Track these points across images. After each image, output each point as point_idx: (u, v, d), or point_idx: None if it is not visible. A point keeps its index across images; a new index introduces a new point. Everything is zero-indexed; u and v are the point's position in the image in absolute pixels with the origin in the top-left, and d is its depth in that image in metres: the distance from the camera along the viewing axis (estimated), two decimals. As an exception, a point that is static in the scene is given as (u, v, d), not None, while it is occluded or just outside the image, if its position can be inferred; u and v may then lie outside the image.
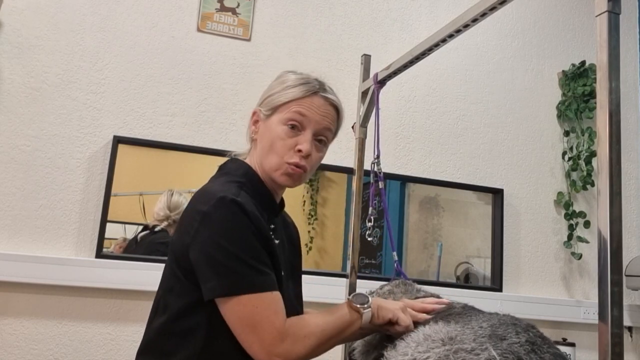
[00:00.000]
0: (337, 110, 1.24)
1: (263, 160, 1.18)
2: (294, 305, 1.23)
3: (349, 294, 1.70)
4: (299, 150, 1.16)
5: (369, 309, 1.10)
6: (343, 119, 1.27)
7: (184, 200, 2.20)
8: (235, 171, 1.19)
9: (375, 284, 1.60)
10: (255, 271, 1.02)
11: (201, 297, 1.05)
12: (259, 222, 1.07)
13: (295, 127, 1.17)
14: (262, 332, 0.99)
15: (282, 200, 1.30)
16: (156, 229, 2.18)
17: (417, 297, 1.35)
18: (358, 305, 1.10)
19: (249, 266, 1.02)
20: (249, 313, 1.00)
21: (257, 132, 1.22)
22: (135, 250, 2.17)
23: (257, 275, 1.02)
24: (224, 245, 1.02)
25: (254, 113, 1.23)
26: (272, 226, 1.18)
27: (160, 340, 1.11)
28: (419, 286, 1.47)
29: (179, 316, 1.08)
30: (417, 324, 1.13)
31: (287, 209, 1.39)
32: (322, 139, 1.21)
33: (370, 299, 1.12)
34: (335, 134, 1.27)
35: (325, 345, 1.05)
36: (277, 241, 1.17)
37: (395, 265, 1.57)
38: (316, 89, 1.20)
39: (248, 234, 1.04)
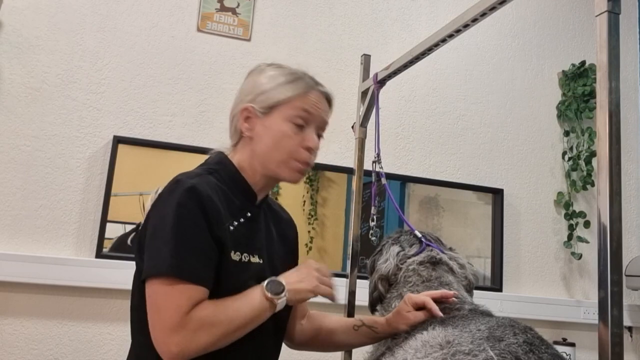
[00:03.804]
0: (329, 102, 1.25)
1: (264, 157, 1.17)
2: None
3: (348, 294, 1.70)
4: (309, 148, 1.17)
5: (284, 298, 1.07)
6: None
7: None
8: (210, 161, 1.22)
9: (375, 284, 1.59)
10: (187, 259, 1.01)
11: None
12: (212, 208, 1.05)
13: (301, 125, 1.18)
14: (164, 316, 0.97)
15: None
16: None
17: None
18: (272, 296, 1.06)
19: (184, 252, 1.00)
20: (162, 294, 0.99)
21: (251, 129, 1.19)
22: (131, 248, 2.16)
23: (188, 262, 1.00)
24: (166, 228, 1.02)
25: (246, 109, 1.20)
26: (249, 214, 1.16)
27: (135, 327, 1.13)
28: (454, 264, 1.40)
29: (143, 300, 1.06)
30: (415, 330, 1.12)
31: (288, 209, 1.39)
32: (321, 133, 1.23)
33: (285, 285, 1.08)
34: None
35: (231, 335, 1.02)
36: (236, 224, 1.13)
37: (423, 239, 1.48)
38: (313, 84, 1.21)
39: (195, 221, 1.03)
